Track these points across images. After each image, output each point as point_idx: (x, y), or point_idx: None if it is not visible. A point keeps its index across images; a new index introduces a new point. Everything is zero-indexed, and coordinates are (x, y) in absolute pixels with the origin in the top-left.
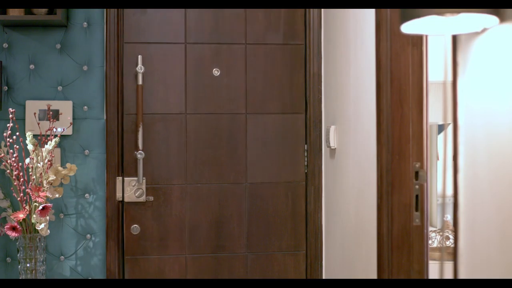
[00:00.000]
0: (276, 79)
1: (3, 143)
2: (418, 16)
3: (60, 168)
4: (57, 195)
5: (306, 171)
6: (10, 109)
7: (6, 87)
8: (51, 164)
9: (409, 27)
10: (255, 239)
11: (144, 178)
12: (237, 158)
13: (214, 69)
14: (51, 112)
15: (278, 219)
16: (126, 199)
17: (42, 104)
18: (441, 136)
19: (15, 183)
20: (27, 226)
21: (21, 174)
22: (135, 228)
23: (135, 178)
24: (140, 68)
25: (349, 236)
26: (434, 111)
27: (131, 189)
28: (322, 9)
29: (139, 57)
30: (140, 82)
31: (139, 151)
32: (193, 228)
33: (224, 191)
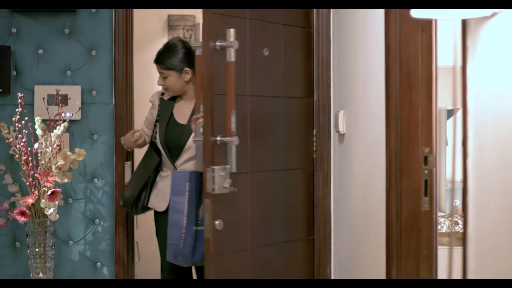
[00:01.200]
0: (285, 62)
1: (12, 128)
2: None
3: (68, 153)
4: (65, 180)
5: (314, 156)
6: (19, 94)
7: (15, 72)
8: (59, 149)
9: (419, 12)
10: (265, 226)
11: None
12: (251, 143)
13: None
14: (59, 97)
15: (288, 205)
16: None
17: (51, 89)
18: (450, 121)
19: (24, 168)
20: (36, 211)
21: (30, 159)
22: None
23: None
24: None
25: (358, 221)
26: (443, 96)
27: None
28: None
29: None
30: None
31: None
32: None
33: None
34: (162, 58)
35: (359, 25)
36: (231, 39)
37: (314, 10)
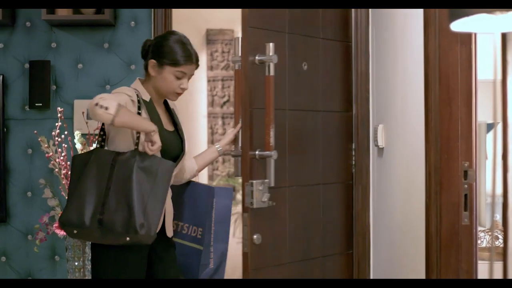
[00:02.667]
0: (327, 76)
1: (51, 142)
2: (467, 14)
3: None
4: None
5: (353, 170)
6: (59, 108)
7: (55, 86)
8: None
9: (458, 25)
10: (309, 242)
11: None
12: (296, 158)
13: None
14: None
15: (327, 220)
16: None
17: None
18: (490, 135)
19: (63, 182)
20: None
21: (69, 173)
22: None
23: None
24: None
25: (397, 235)
26: (483, 109)
27: None
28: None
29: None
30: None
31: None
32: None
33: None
34: (198, 58)
35: (398, 38)
36: (271, 53)
37: (353, 23)
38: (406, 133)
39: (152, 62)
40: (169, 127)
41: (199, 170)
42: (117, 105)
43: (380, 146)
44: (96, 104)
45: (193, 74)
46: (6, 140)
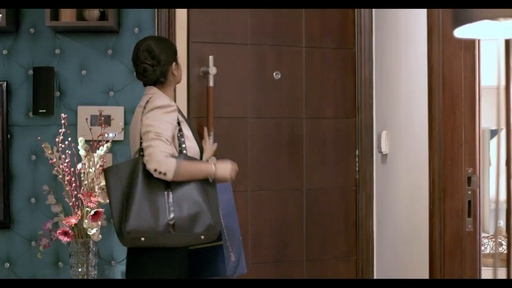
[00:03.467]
0: (330, 84)
1: (55, 149)
2: (471, 21)
3: None
4: (108, 200)
5: (357, 176)
6: (62, 114)
7: (59, 93)
8: (102, 170)
9: (462, 32)
10: (311, 246)
11: None
12: (295, 164)
13: (274, 73)
14: (102, 118)
15: (331, 225)
16: None
17: (94, 110)
18: (493, 141)
19: (67, 188)
20: (79, 231)
21: (73, 179)
22: None
23: None
24: (211, 69)
25: (401, 241)
26: (487, 116)
27: None
28: (374, 14)
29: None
30: (211, 84)
31: None
32: (255, 237)
33: (284, 197)
34: None
35: (401, 45)
36: (210, 65)
37: (356, 31)
38: (409, 139)
39: (174, 64)
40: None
41: None
42: (174, 169)
43: (383, 153)
44: (155, 170)
45: None
46: (10, 147)
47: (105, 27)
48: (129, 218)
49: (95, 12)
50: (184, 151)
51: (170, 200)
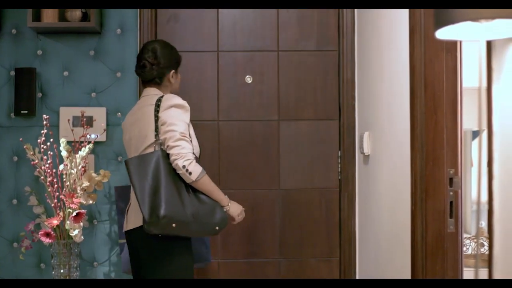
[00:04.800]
0: (309, 85)
1: (37, 150)
2: (453, 22)
3: (93, 174)
4: (90, 202)
5: (339, 177)
6: (44, 115)
7: (41, 94)
8: (84, 171)
9: (444, 33)
10: (288, 245)
11: None
12: (270, 164)
13: (247, 76)
14: (84, 119)
15: (311, 225)
16: None
17: (76, 111)
18: (475, 143)
19: (49, 190)
20: (61, 232)
21: (55, 180)
22: None
23: None
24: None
25: (383, 242)
26: (469, 117)
27: None
28: (356, 15)
29: None
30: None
31: None
32: (226, 234)
33: (257, 197)
34: None
35: (384, 46)
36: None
37: (340, 31)
38: (391, 140)
39: (173, 72)
40: None
41: None
42: (199, 173)
43: (365, 154)
44: (183, 167)
45: None
46: None
47: (87, 28)
48: (161, 204)
49: (77, 13)
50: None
51: (191, 193)
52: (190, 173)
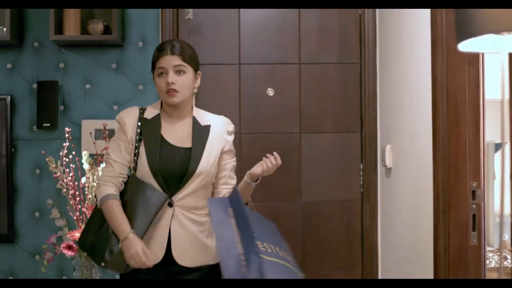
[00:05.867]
0: (331, 98)
1: (59, 162)
2: (475, 34)
3: None
4: None
5: (361, 190)
6: (66, 128)
7: (63, 106)
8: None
9: (466, 46)
10: (310, 257)
11: None
12: (291, 177)
13: (268, 89)
14: (106, 132)
15: (333, 238)
16: None
17: (98, 124)
18: (498, 155)
19: (71, 202)
20: None
21: (77, 193)
22: None
23: None
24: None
25: (405, 255)
26: (491, 129)
27: None
28: (377, 27)
29: None
30: (193, 102)
31: None
32: None
33: (279, 210)
34: (181, 48)
35: (405, 58)
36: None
37: (361, 43)
38: (413, 153)
39: (198, 72)
40: (175, 141)
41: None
42: (102, 197)
43: (387, 166)
44: (98, 185)
45: (179, 66)
46: (14, 160)
47: (109, 41)
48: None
49: (99, 26)
50: None
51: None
52: (95, 196)
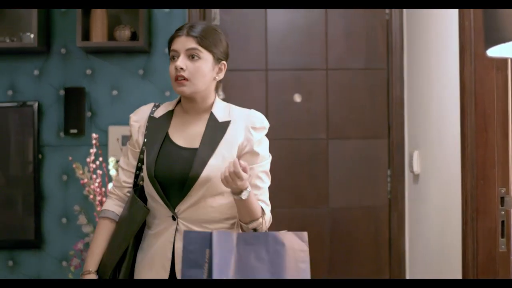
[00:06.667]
0: (358, 104)
1: (86, 169)
2: (504, 40)
3: None
4: None
5: (389, 196)
6: (94, 134)
7: (90, 113)
8: None
9: (494, 51)
10: (337, 264)
11: None
12: (318, 183)
13: (295, 95)
14: None
15: (360, 244)
16: None
17: (125, 130)
18: None
19: (98, 209)
20: None
21: (104, 199)
22: None
23: None
24: (219, 95)
25: (433, 262)
26: None
27: None
28: (405, 31)
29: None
30: (222, 96)
31: None
32: None
33: (305, 216)
34: (202, 30)
35: (433, 64)
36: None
37: (388, 49)
38: (441, 159)
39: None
40: (183, 142)
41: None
42: (100, 213)
43: (415, 173)
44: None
45: (193, 49)
46: (41, 167)
47: (136, 48)
48: None
49: (126, 33)
50: None
51: None
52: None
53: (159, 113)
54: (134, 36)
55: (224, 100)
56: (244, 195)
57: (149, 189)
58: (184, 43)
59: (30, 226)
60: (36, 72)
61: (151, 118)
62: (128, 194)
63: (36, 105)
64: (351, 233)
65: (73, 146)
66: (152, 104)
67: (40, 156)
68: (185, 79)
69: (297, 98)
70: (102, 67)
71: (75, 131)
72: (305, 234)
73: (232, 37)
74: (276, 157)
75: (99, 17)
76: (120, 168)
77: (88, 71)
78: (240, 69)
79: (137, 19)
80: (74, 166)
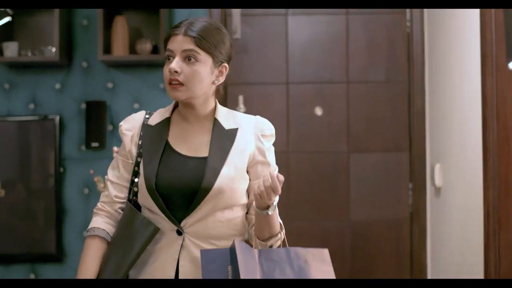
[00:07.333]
0: (379, 116)
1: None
2: None
3: None
4: None
5: (411, 210)
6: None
7: (111, 126)
8: None
9: None
10: (358, 276)
11: None
12: (339, 196)
13: (316, 108)
14: None
15: (381, 257)
16: None
17: None
18: None
19: None
20: None
21: None
22: None
23: None
24: (240, 109)
25: (455, 275)
26: None
27: None
28: (426, 46)
29: (240, 97)
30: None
31: None
32: None
33: (326, 228)
34: (201, 30)
35: (454, 76)
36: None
37: (409, 61)
38: (463, 171)
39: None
40: (186, 151)
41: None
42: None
43: (437, 186)
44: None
45: (189, 51)
46: (62, 180)
47: (157, 61)
48: None
49: (147, 46)
50: None
51: None
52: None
53: (154, 120)
54: (155, 50)
55: (245, 113)
56: (271, 211)
57: (147, 202)
58: (180, 43)
59: (51, 239)
60: (57, 86)
61: (145, 126)
62: (120, 211)
63: (57, 118)
64: (372, 246)
65: (95, 159)
66: (144, 112)
67: (61, 169)
68: (179, 83)
69: (318, 111)
70: (123, 80)
71: (96, 144)
72: (326, 251)
73: (253, 51)
74: (298, 170)
75: (120, 31)
76: (110, 182)
77: (110, 85)
78: (261, 83)
79: (158, 32)
80: (95, 179)
